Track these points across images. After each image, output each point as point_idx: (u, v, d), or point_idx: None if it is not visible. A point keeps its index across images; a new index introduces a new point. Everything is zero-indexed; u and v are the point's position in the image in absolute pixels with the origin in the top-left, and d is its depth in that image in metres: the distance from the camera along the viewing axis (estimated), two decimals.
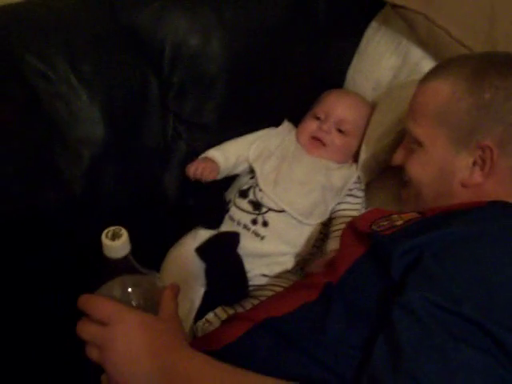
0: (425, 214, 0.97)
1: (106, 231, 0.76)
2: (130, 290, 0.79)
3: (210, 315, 1.24)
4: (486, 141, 0.97)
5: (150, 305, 0.80)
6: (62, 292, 1.02)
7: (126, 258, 0.77)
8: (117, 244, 0.75)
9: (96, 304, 0.75)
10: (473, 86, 0.99)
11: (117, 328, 0.73)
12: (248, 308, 1.20)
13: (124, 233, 0.76)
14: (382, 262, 0.89)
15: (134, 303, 0.78)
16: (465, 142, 0.99)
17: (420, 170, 1.07)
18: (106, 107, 1.18)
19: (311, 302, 0.94)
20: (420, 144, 1.05)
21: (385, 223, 0.98)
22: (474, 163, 0.99)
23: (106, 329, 0.74)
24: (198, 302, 1.26)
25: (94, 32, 1.20)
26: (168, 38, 1.26)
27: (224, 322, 1.08)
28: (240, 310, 1.22)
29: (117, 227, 0.76)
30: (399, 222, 0.96)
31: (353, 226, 1.04)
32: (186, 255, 1.29)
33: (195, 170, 1.31)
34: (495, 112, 0.97)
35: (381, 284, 0.87)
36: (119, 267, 0.77)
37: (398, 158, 1.15)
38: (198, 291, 1.26)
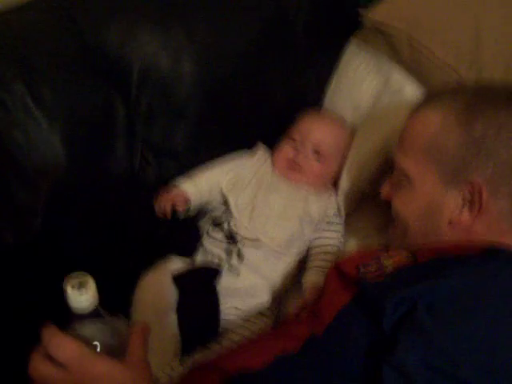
0: (416, 258, 0.91)
1: (70, 280, 0.70)
2: (94, 337, 0.73)
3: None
4: (476, 179, 0.91)
5: (117, 353, 0.74)
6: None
7: (92, 309, 0.72)
8: (84, 298, 0.70)
9: (61, 343, 0.69)
10: (464, 120, 0.93)
11: (78, 376, 0.68)
12: (218, 346, 1.14)
13: (91, 283, 0.70)
14: (370, 312, 0.83)
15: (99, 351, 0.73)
16: (454, 179, 0.94)
17: (407, 206, 1.01)
18: (67, 135, 1.10)
19: (292, 354, 0.88)
20: (408, 179, 0.99)
21: (373, 266, 0.93)
22: (463, 202, 0.93)
23: (65, 374, 0.68)
24: (174, 333, 1.17)
25: (55, 53, 1.12)
26: (136, 59, 1.18)
27: (193, 370, 1.00)
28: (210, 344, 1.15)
29: (82, 275, 0.71)
30: (389, 267, 0.91)
31: (338, 268, 0.98)
32: (160, 283, 1.22)
33: (162, 207, 1.23)
34: (486, 149, 0.91)
35: (369, 335, 0.82)
36: (85, 316, 0.72)
37: (385, 191, 1.09)
38: (174, 322, 1.18)
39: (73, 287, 0.70)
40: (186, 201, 1.25)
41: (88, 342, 0.72)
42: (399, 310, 0.78)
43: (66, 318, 0.72)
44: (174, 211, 1.23)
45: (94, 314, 0.72)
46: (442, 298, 0.76)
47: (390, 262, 0.93)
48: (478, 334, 0.73)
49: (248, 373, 0.86)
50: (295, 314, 1.06)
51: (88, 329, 0.73)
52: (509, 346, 0.72)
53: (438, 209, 0.95)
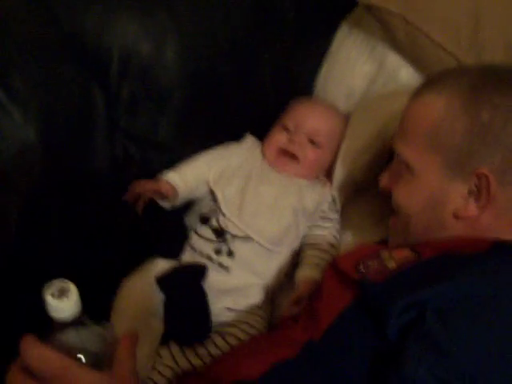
0: (420, 255, 0.85)
1: (49, 287, 0.65)
2: (78, 347, 0.68)
3: (163, 349, 1.10)
4: (483, 168, 0.85)
5: (103, 363, 0.69)
6: None
7: (74, 318, 0.66)
8: (65, 306, 0.64)
9: (41, 354, 0.63)
10: (469, 104, 0.88)
11: None
12: (210, 348, 1.08)
13: (72, 290, 0.65)
14: (373, 315, 0.78)
15: (83, 361, 0.68)
16: (459, 168, 0.88)
17: (408, 198, 0.95)
18: (43, 129, 1.02)
19: (288, 360, 0.82)
20: (409, 169, 0.94)
21: (374, 264, 0.87)
22: (469, 193, 0.88)
23: None
24: (157, 342, 1.11)
25: (29, 40, 1.04)
26: (115, 45, 1.10)
27: (182, 379, 0.96)
28: (201, 350, 1.08)
29: (62, 282, 0.66)
30: (391, 264, 0.85)
31: (336, 266, 0.92)
32: (143, 287, 1.15)
33: (138, 192, 1.14)
34: (494, 135, 0.86)
35: (372, 341, 0.77)
36: (67, 325, 0.66)
37: (384, 182, 1.03)
38: (158, 329, 1.12)
39: (53, 295, 0.64)
40: (173, 189, 1.17)
41: (71, 353, 0.66)
42: (405, 315, 0.72)
43: (47, 328, 0.67)
44: (156, 203, 1.17)
45: (76, 323, 0.66)
46: (452, 304, 0.71)
47: (391, 259, 0.87)
48: (495, 345, 0.68)
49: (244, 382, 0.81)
50: (290, 316, 1.00)
51: (71, 338, 0.67)
52: None
53: (441, 200, 0.90)
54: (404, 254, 0.87)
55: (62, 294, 0.64)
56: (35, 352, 0.63)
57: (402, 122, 0.98)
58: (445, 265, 0.80)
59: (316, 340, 0.82)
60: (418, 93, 0.97)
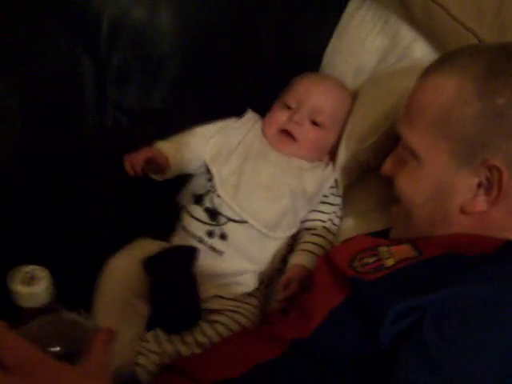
0: (421, 253, 0.80)
1: (18, 272, 0.62)
2: (50, 336, 0.65)
3: (149, 335, 1.06)
4: (495, 159, 0.80)
5: (77, 353, 0.66)
6: None
7: (45, 305, 0.64)
8: (35, 291, 0.62)
9: (9, 344, 0.60)
10: (484, 88, 0.81)
11: (29, 382, 0.58)
12: (198, 336, 1.04)
13: (43, 275, 0.63)
14: (366, 316, 0.74)
15: (54, 351, 0.65)
16: (469, 158, 0.82)
17: (412, 187, 0.89)
18: (25, 98, 0.99)
19: (271, 360, 0.78)
20: (414, 156, 0.88)
21: (370, 260, 0.82)
22: (479, 185, 0.82)
23: (13, 379, 0.58)
24: (141, 325, 1.08)
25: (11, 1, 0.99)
26: (106, 9, 1.06)
27: (164, 373, 0.92)
28: (188, 337, 1.04)
29: (32, 266, 0.63)
30: (389, 262, 0.80)
31: (330, 260, 0.86)
32: (129, 267, 1.09)
33: (134, 159, 1.06)
34: (508, 124, 0.79)
35: (364, 343, 0.73)
36: (38, 312, 0.64)
37: (387, 168, 0.98)
38: (143, 312, 1.08)
39: (21, 280, 0.62)
40: (165, 161, 1.11)
41: (43, 342, 0.64)
42: (401, 322, 0.68)
43: (17, 315, 0.64)
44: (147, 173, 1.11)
45: (48, 310, 0.64)
46: (452, 313, 0.67)
47: (390, 256, 0.82)
48: (492, 361, 0.64)
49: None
50: (279, 309, 0.95)
51: (42, 326, 0.65)
52: None
53: (448, 192, 0.85)
54: (404, 251, 0.82)
55: (31, 278, 0.62)
56: (3, 341, 0.60)
57: (409, 105, 0.92)
58: (447, 267, 0.75)
59: (304, 338, 0.78)
60: (427, 73, 0.90)
